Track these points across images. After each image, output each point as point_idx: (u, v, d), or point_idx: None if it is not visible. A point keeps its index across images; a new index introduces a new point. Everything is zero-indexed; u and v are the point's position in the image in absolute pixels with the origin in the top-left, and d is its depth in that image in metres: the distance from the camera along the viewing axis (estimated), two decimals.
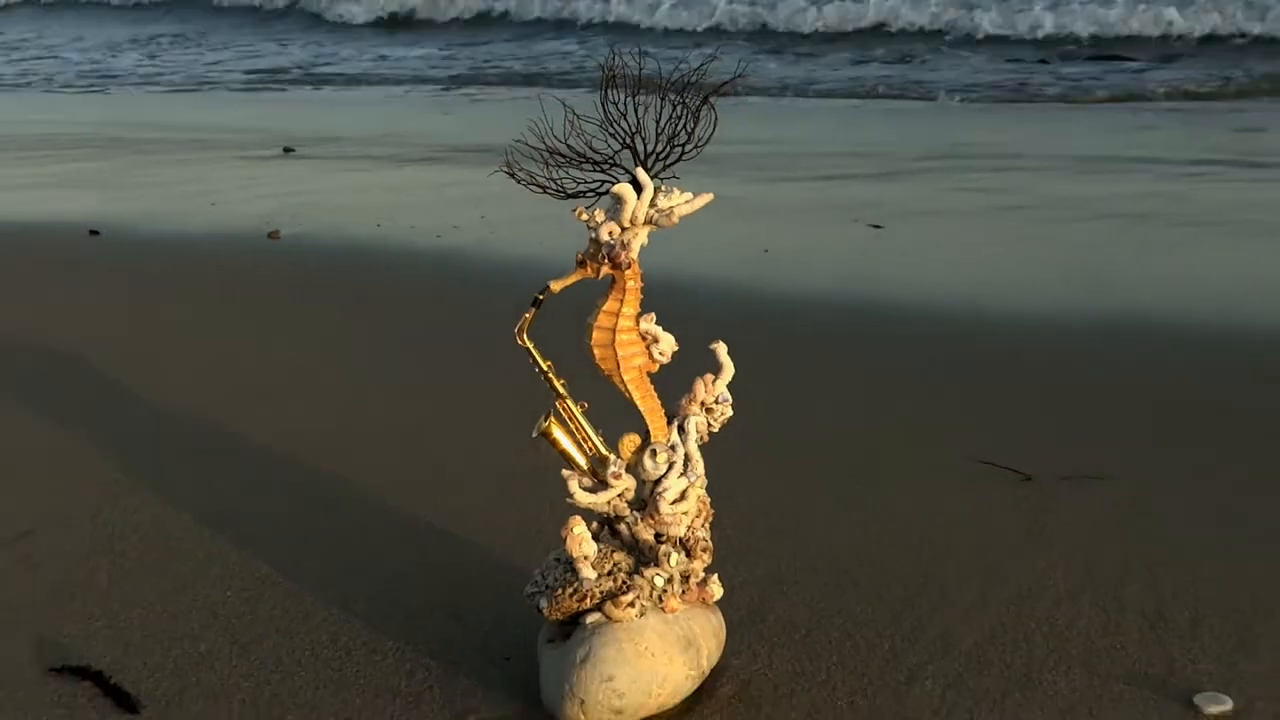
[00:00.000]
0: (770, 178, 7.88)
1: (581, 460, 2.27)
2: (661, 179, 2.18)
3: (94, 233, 6.39)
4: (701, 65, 2.17)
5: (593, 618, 2.22)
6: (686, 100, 2.15)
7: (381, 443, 3.60)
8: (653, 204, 2.17)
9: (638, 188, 2.15)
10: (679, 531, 2.28)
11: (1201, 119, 10.13)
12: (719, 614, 2.37)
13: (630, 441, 2.27)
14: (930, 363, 4.32)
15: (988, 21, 14.47)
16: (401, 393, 4.04)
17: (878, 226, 6.35)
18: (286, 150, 9.39)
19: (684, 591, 2.28)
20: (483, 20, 17.79)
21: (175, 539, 3.01)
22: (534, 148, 2.12)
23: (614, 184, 2.16)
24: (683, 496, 2.27)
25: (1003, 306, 4.98)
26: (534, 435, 2.26)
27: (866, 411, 3.86)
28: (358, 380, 4.17)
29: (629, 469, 2.27)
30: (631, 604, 2.20)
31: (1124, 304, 4.95)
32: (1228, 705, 2.29)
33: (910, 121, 10.61)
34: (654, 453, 2.26)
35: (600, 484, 2.26)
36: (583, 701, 2.15)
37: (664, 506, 2.25)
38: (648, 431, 2.27)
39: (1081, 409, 3.84)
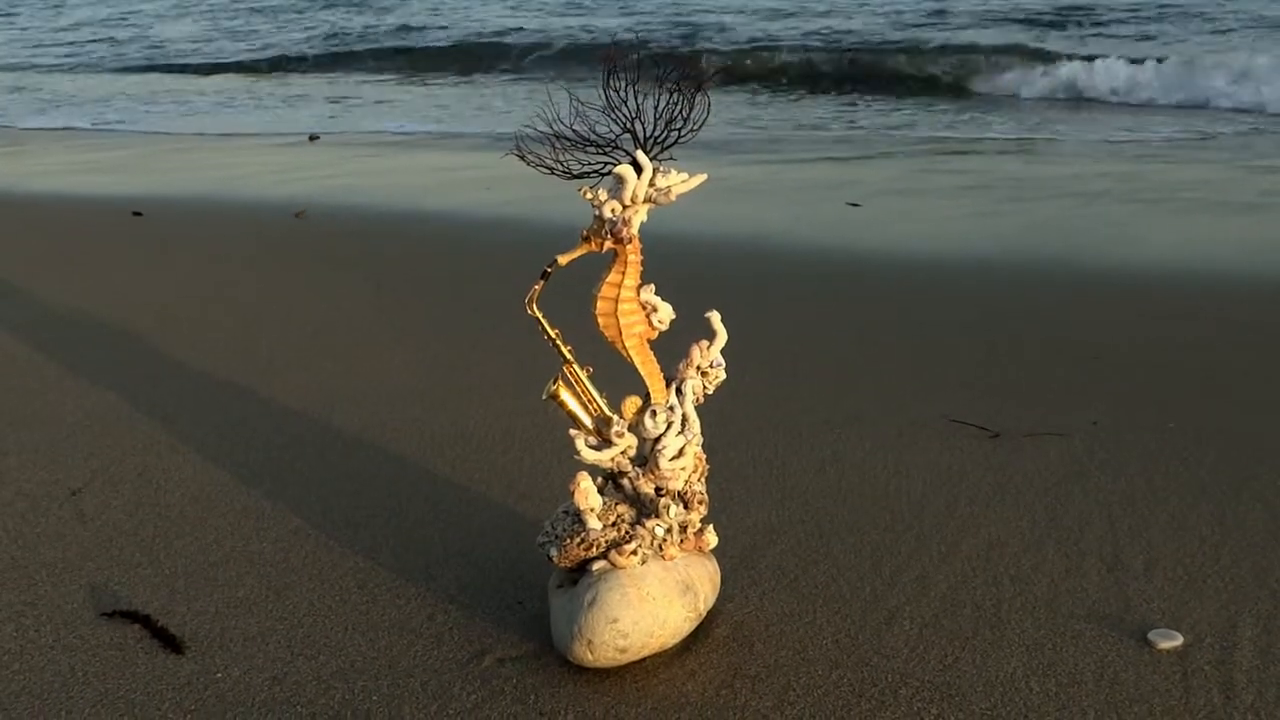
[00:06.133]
0: (758, 160, 7.84)
1: (587, 420, 2.25)
2: (660, 160, 2.16)
3: (137, 214, 6.35)
4: (696, 55, 2.15)
5: (599, 565, 2.20)
6: (682, 88, 2.12)
7: (403, 403, 3.58)
8: (652, 183, 2.14)
9: (638, 169, 2.13)
10: (677, 485, 2.26)
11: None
12: (714, 561, 2.36)
13: (632, 403, 2.25)
14: (904, 328, 4.30)
15: None
16: (421, 356, 4.02)
17: (855, 205, 6.32)
18: (312, 138, 9.34)
19: (682, 540, 2.27)
20: None
21: (214, 494, 3.00)
22: (542, 132, 2.10)
23: (616, 165, 2.13)
24: (681, 453, 2.25)
25: (971, 275, 4.96)
26: (543, 397, 2.24)
27: (847, 374, 3.84)
28: (380, 345, 4.15)
29: (631, 428, 2.25)
30: (634, 552, 2.19)
31: (1082, 272, 4.93)
32: (1178, 641, 2.29)
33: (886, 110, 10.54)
34: (654, 413, 2.24)
35: (604, 442, 2.25)
36: (590, 641, 2.14)
37: (663, 462, 2.24)
38: (648, 393, 2.25)
39: (1042, 372, 3.83)
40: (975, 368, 3.88)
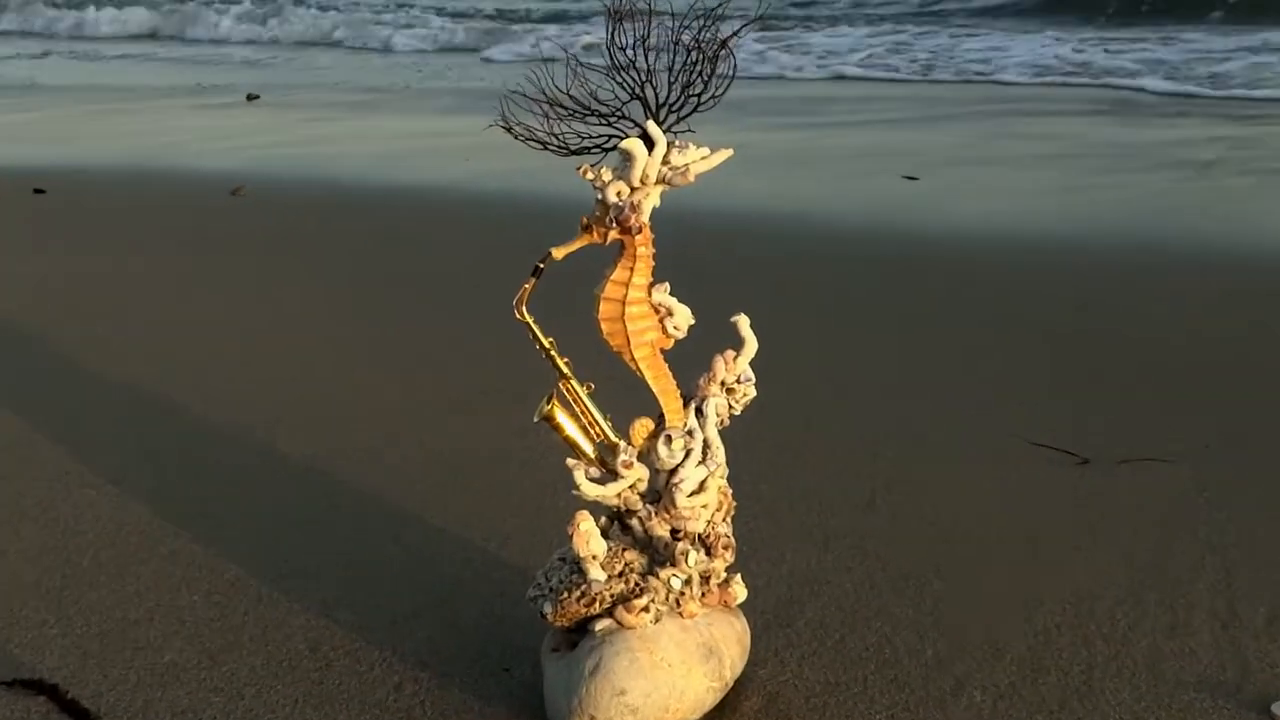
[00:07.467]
0: (795, 125, 7.86)
1: (588, 448, 2.25)
2: (675, 132, 2.15)
3: (39, 191, 6.38)
4: (719, 5, 2.14)
5: (602, 624, 2.20)
6: (702, 43, 2.12)
7: (363, 423, 3.59)
8: (665, 161, 2.14)
9: (649, 143, 2.13)
10: (697, 527, 2.26)
11: None
12: (743, 618, 2.36)
13: (642, 426, 2.25)
14: (971, 331, 4.30)
15: None
16: (386, 366, 4.03)
17: (913, 178, 6.32)
18: (250, 97, 9.38)
19: (704, 594, 2.27)
20: None
21: (135, 536, 3.00)
22: (532, 99, 2.09)
23: (622, 138, 2.13)
24: (701, 488, 2.25)
25: (1054, 267, 4.96)
26: (535, 420, 2.24)
27: (902, 387, 3.84)
28: (332, 351, 4.15)
29: (641, 457, 2.25)
30: (645, 608, 2.19)
31: (1187, 264, 4.92)
32: None
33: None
34: (669, 439, 2.24)
35: (609, 474, 2.24)
36: (593, 718, 2.14)
37: (680, 499, 2.24)
38: (662, 415, 2.25)
39: (1142, 383, 3.82)
40: (1059, 377, 3.88)
